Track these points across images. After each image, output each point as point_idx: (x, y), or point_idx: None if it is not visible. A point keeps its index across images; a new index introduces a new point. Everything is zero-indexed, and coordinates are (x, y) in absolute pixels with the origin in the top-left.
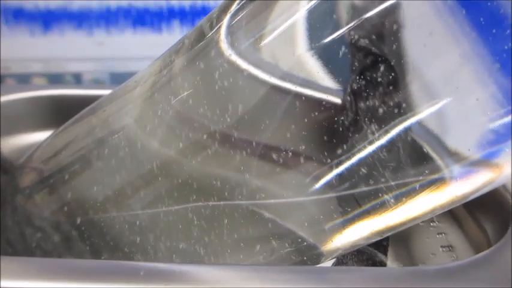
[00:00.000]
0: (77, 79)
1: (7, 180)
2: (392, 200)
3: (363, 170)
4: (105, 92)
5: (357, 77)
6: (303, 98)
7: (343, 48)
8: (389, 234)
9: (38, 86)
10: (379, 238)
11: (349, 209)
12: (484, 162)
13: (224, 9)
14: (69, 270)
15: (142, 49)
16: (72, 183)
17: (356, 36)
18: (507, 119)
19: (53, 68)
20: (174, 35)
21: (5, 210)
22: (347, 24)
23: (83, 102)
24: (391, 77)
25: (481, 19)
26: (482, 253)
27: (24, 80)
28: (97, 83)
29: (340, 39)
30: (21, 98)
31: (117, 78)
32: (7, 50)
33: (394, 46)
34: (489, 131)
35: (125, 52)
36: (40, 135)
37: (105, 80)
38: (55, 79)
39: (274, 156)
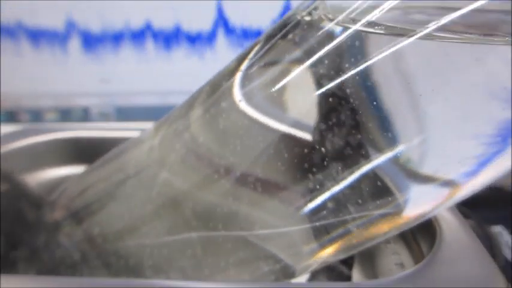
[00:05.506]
0: (85, 113)
1: (41, 214)
2: (355, 227)
3: (330, 204)
4: (119, 133)
5: (324, 118)
6: (289, 137)
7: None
8: (354, 252)
9: (59, 127)
10: (345, 255)
11: (320, 235)
12: (435, 188)
13: (238, 63)
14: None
15: (148, 84)
16: (97, 217)
17: (320, 77)
18: (462, 145)
19: (62, 102)
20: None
21: (40, 240)
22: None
23: (97, 142)
24: (354, 118)
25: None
26: (411, 269)
27: (36, 115)
28: (103, 116)
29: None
30: (43, 139)
31: (123, 112)
32: (19, 86)
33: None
34: (442, 160)
35: (130, 87)
36: (62, 171)
37: (111, 114)
38: (65, 113)
39: (268, 189)
